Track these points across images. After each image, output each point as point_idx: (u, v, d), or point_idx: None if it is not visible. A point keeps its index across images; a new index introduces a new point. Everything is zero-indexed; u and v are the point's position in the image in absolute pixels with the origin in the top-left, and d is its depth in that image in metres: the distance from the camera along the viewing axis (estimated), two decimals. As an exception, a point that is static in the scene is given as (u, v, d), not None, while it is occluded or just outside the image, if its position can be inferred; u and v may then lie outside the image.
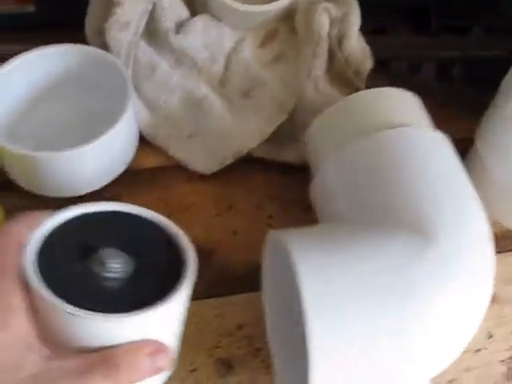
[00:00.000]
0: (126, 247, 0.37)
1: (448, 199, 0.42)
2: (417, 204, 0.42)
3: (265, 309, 0.47)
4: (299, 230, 0.43)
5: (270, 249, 0.45)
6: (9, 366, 0.32)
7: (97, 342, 0.35)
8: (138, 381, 0.34)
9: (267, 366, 0.47)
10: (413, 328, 0.38)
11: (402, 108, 0.49)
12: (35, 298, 0.34)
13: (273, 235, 0.43)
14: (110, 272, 0.36)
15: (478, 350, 0.49)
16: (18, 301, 0.33)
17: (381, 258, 0.39)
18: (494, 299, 0.49)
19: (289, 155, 0.57)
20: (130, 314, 0.34)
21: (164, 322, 0.37)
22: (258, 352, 0.48)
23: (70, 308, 0.33)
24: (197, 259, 0.38)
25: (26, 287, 0.34)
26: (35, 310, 0.34)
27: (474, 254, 0.41)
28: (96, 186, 0.54)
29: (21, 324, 0.33)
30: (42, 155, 0.49)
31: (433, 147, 0.46)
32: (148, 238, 0.40)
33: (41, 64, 0.56)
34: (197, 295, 0.47)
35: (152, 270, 0.38)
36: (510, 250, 0.56)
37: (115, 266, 0.36)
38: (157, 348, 0.35)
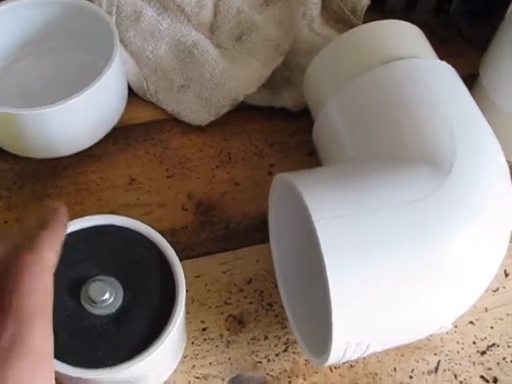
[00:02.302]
0: (116, 272, 0.37)
1: (463, 130, 0.40)
2: (430, 136, 0.40)
3: (274, 260, 0.45)
4: (307, 172, 0.40)
5: (276, 194, 0.43)
6: None
7: None
8: None
9: (281, 320, 0.45)
10: (433, 265, 0.36)
11: (406, 39, 0.47)
12: None
13: (280, 178, 0.41)
14: (99, 308, 0.36)
15: (496, 290, 0.48)
16: None
17: (396, 194, 0.37)
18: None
19: (286, 100, 0.54)
20: (122, 365, 0.35)
21: (159, 358, 0.37)
22: (270, 306, 0.46)
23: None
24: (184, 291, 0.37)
25: None
26: None
27: (492, 188, 0.39)
28: (86, 145, 0.51)
29: None
30: (25, 113, 0.46)
31: (442, 77, 0.44)
32: (139, 260, 0.38)
33: (17, 17, 0.52)
34: (202, 251, 0.45)
35: (143, 303, 0.37)
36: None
37: (104, 300, 0.36)
38: None
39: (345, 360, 0.38)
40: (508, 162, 0.55)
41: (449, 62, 0.46)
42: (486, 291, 0.40)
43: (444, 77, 0.44)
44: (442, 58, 0.47)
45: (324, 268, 0.34)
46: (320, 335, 0.39)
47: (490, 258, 0.39)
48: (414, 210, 0.36)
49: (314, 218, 0.35)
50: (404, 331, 0.38)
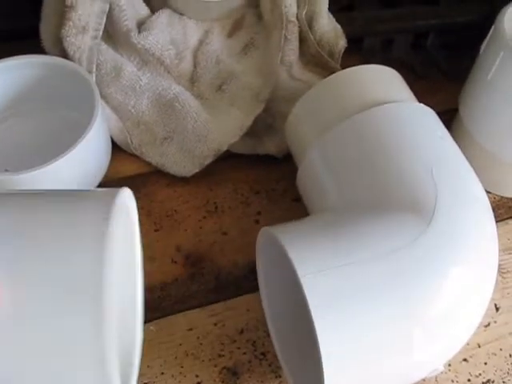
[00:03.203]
0: None
1: (444, 174, 0.40)
2: (411, 182, 0.40)
3: (265, 309, 0.45)
4: (291, 225, 0.41)
5: (262, 246, 0.43)
6: None
7: None
8: None
9: (275, 369, 0.45)
10: (421, 313, 0.36)
11: (384, 84, 0.47)
12: None
13: (265, 232, 0.41)
14: None
15: (488, 325, 0.48)
16: None
17: (380, 243, 0.37)
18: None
19: (270, 147, 0.55)
20: None
21: None
22: (263, 355, 0.46)
23: None
24: None
25: None
26: None
27: (476, 230, 0.39)
28: (73, 202, 0.51)
29: None
30: (8, 178, 0.46)
31: (421, 121, 0.44)
32: None
33: (0, 78, 0.53)
34: (194, 304, 0.45)
35: None
36: (506, 219, 0.55)
37: None
38: None
39: (340, 410, 0.38)
40: (488, 192, 0.56)
41: (428, 98, 0.47)
42: (477, 327, 0.40)
43: (422, 120, 0.45)
44: (420, 93, 0.48)
45: (312, 323, 0.34)
46: (315, 382, 0.39)
47: (478, 297, 0.39)
48: (399, 258, 0.36)
49: (300, 273, 0.35)
50: (397, 379, 0.38)
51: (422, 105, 0.46)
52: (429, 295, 0.36)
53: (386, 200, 0.40)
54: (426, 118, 0.45)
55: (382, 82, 0.48)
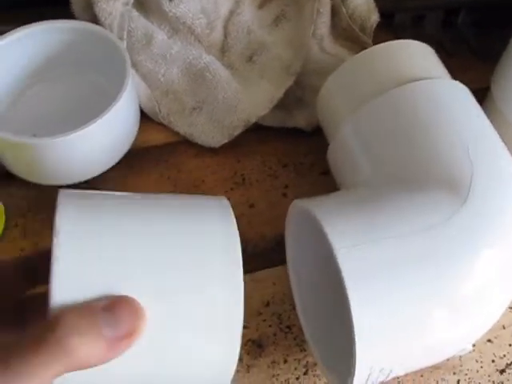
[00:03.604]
0: None
1: (480, 153, 0.40)
2: (448, 158, 0.40)
3: (291, 282, 0.45)
4: (323, 198, 0.40)
5: (293, 219, 0.43)
6: None
7: None
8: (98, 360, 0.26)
9: (300, 343, 0.45)
10: (452, 290, 0.36)
11: (420, 60, 0.47)
12: None
13: (297, 205, 0.41)
14: None
15: (514, 306, 0.48)
16: None
17: (415, 219, 0.37)
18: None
19: (299, 120, 0.54)
20: None
21: None
22: (288, 329, 0.46)
23: None
24: None
25: None
26: None
27: (511, 208, 0.39)
28: (100, 170, 0.51)
29: None
30: (40, 142, 0.46)
31: (458, 98, 0.44)
32: None
33: (29, 44, 0.52)
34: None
35: None
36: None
37: None
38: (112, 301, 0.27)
39: (367, 384, 0.38)
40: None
41: (458, 77, 0.46)
42: (503, 309, 0.40)
43: (459, 97, 0.44)
44: (451, 72, 0.47)
45: (346, 297, 0.34)
46: (340, 357, 0.39)
47: (509, 278, 0.39)
48: (433, 235, 0.36)
49: (335, 246, 0.35)
50: (426, 355, 0.38)
51: (457, 82, 0.45)
52: (461, 274, 0.36)
53: (422, 176, 0.40)
54: (462, 96, 0.44)
55: (417, 58, 0.47)
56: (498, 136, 0.43)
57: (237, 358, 0.30)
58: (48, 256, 0.27)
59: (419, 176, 0.40)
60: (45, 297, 0.26)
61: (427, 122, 0.41)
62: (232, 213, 0.33)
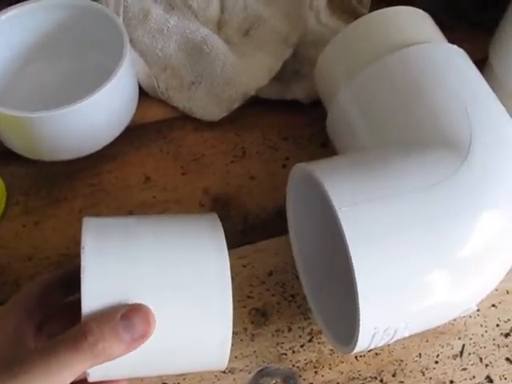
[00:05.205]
0: None
1: (479, 113, 0.40)
2: (446, 119, 0.40)
3: (294, 251, 0.45)
4: (324, 160, 0.40)
5: (293, 185, 0.43)
6: None
7: None
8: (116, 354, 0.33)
9: (304, 311, 0.45)
10: (454, 247, 0.36)
11: (415, 25, 0.47)
12: None
13: (298, 168, 0.41)
14: None
15: (517, 271, 0.48)
16: None
17: (415, 178, 0.37)
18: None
19: (297, 92, 0.54)
20: None
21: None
22: (292, 297, 0.46)
23: None
24: None
25: None
26: None
27: (510, 167, 0.39)
28: (100, 145, 0.51)
29: None
30: (37, 115, 0.46)
31: (455, 61, 0.44)
32: None
33: (27, 21, 0.53)
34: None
35: None
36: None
37: None
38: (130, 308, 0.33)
39: (372, 347, 0.38)
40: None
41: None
42: (506, 274, 0.40)
43: (456, 60, 0.44)
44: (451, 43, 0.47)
45: (349, 255, 0.34)
46: (345, 323, 0.39)
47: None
48: (434, 193, 0.36)
49: (336, 205, 0.35)
50: (430, 315, 0.38)
51: (455, 46, 0.45)
52: (462, 232, 0.36)
53: (421, 138, 0.39)
54: (459, 59, 0.44)
55: (412, 23, 0.47)
56: (496, 98, 0.43)
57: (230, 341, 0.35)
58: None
59: (418, 137, 0.40)
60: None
61: (424, 84, 0.41)
62: (221, 229, 0.37)
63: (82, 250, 0.34)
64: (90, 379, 0.34)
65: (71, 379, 0.32)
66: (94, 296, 0.33)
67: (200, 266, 0.35)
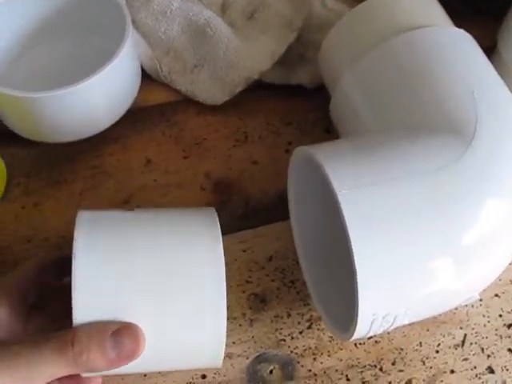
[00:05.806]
0: None
1: (485, 97, 0.39)
2: (452, 103, 0.39)
3: (294, 237, 0.45)
4: (326, 144, 0.40)
5: (295, 168, 0.42)
6: None
7: None
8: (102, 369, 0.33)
9: (304, 297, 0.45)
10: (457, 232, 0.35)
11: (421, 8, 0.46)
12: None
13: (300, 151, 0.40)
14: None
15: (521, 261, 0.47)
16: None
17: (419, 162, 0.36)
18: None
19: (301, 77, 0.54)
20: None
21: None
22: (292, 283, 0.45)
23: None
24: None
25: None
26: None
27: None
28: (101, 127, 0.50)
29: None
30: (38, 96, 0.45)
31: (460, 45, 0.43)
32: None
33: (29, 3, 0.52)
34: (222, 230, 0.45)
35: None
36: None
37: None
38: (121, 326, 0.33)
39: (371, 334, 0.37)
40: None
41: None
42: (510, 263, 0.39)
43: (462, 44, 0.43)
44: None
45: (348, 239, 0.33)
46: (344, 310, 0.39)
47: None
48: (439, 177, 0.36)
49: (336, 188, 0.34)
50: (431, 303, 0.38)
51: (462, 30, 0.45)
52: (465, 217, 0.35)
53: (426, 121, 0.39)
54: (466, 44, 0.44)
55: (418, 6, 0.46)
56: (502, 82, 0.42)
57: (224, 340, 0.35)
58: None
59: (423, 121, 0.39)
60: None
61: (430, 68, 0.41)
62: (219, 228, 0.37)
63: (72, 256, 0.34)
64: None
65: (46, 380, 0.32)
66: (85, 312, 0.33)
67: (195, 275, 0.35)
